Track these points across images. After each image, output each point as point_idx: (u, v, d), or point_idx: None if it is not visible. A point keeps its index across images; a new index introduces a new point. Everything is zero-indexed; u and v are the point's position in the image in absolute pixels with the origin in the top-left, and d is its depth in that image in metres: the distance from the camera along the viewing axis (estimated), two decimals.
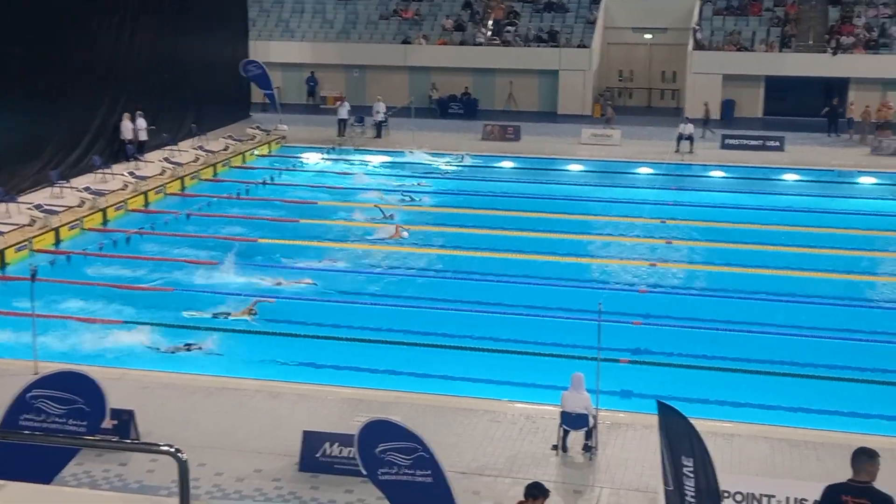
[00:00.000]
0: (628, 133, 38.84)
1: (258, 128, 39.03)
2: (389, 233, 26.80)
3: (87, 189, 28.80)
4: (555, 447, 14.86)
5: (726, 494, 12.52)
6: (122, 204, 28.65)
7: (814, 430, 15.70)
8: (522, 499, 11.15)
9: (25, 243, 24.51)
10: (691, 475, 10.48)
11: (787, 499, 12.80)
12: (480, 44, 45.93)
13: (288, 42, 47.43)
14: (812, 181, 33.56)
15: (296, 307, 21.33)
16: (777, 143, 37.08)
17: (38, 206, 26.78)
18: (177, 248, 25.24)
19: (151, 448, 5.99)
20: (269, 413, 16.07)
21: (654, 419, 11.35)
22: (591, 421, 14.72)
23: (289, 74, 46.87)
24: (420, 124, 38.99)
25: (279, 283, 22.84)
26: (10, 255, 23.87)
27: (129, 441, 13.85)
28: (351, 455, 13.19)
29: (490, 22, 47.25)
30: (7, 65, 27.37)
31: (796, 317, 21.01)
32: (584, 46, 45.06)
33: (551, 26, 46.47)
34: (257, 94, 43.33)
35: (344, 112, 39.25)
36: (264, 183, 31.97)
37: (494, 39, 46.27)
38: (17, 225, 25.46)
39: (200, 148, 35.13)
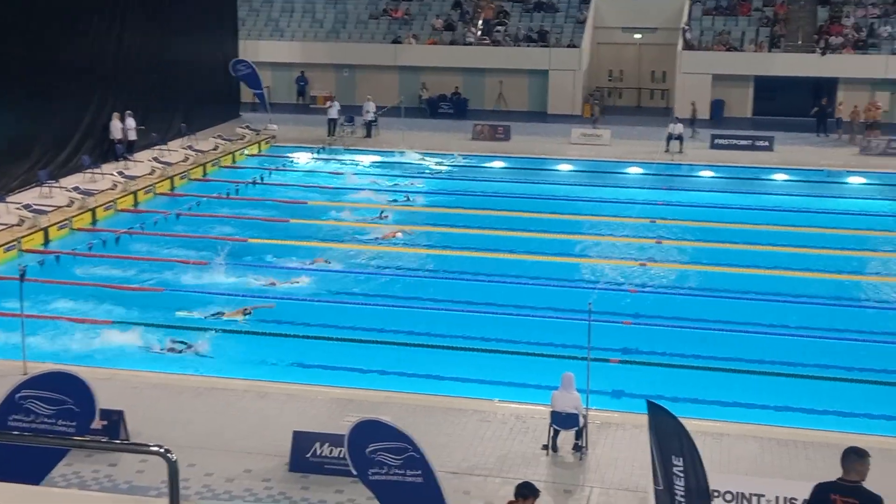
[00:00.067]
0: (618, 133, 38.88)
1: (248, 127, 38.96)
2: (384, 233, 26.80)
3: (76, 189, 28.72)
4: (545, 447, 14.88)
5: (716, 494, 12.54)
6: (111, 204, 28.58)
7: (803, 429, 15.75)
8: (513, 498, 11.16)
9: (14, 243, 24.43)
10: (681, 474, 10.50)
11: (777, 498, 12.83)
12: (470, 43, 45.93)
13: (277, 42, 47.36)
14: (801, 181, 33.64)
15: (286, 307, 21.30)
16: (766, 143, 37.17)
17: (26, 206, 26.70)
18: (166, 248, 25.21)
19: (141, 448, 5.97)
20: (259, 413, 16.05)
21: (643, 419, 11.37)
22: (581, 421, 14.74)
23: (278, 74, 46.80)
24: (410, 124, 38.98)
25: (271, 284, 22.82)
26: None
27: (118, 441, 13.81)
28: (341, 455, 13.20)
29: (480, 22, 47.24)
30: None
31: (786, 316, 21.07)
32: (574, 46, 45.09)
33: (541, 26, 46.49)
34: (247, 94, 43.25)
35: (334, 112, 39.20)
36: (254, 183, 31.93)
37: (484, 39, 46.27)
38: (5, 225, 25.39)
39: (190, 148, 35.07)
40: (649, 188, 32.18)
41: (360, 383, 17.57)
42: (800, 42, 43.92)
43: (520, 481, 11.41)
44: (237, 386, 17.11)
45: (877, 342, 19.78)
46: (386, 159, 36.10)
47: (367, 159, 36.29)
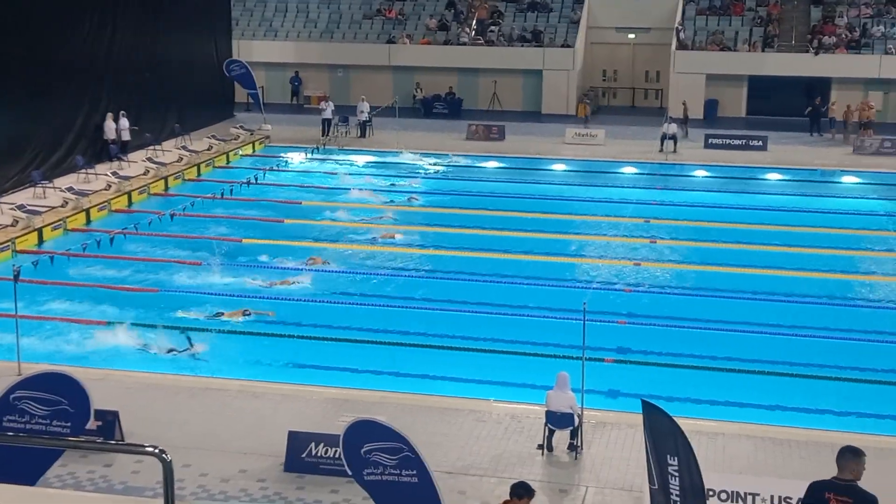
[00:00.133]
0: (612, 133, 38.91)
1: (242, 128, 38.93)
2: (380, 234, 26.78)
3: (70, 189, 28.70)
4: (540, 446, 14.89)
5: (711, 493, 12.57)
6: (105, 204, 28.56)
7: (798, 428, 15.78)
8: (508, 498, 11.17)
9: (8, 244, 24.40)
10: (676, 474, 10.51)
11: (772, 497, 12.86)
12: (464, 43, 45.92)
13: (271, 42, 47.32)
14: (795, 180, 33.69)
15: (280, 307, 21.30)
16: (760, 143, 37.22)
17: (20, 207, 26.68)
18: (161, 249, 25.18)
19: (136, 449, 5.97)
20: (254, 413, 16.05)
21: (638, 418, 11.38)
22: (576, 420, 14.75)
23: (272, 74, 46.76)
24: (404, 124, 38.97)
25: (270, 284, 22.81)
26: None
27: (113, 442, 13.79)
28: (336, 455, 13.19)
29: (474, 21, 47.25)
30: None
31: (780, 316, 21.10)
32: (568, 46, 45.11)
33: (535, 26, 46.51)
34: (241, 94, 43.22)
35: (328, 112, 39.17)
36: (248, 183, 31.91)
37: (478, 39, 46.27)
38: None
39: (184, 148, 35.04)
40: (643, 188, 32.20)
41: (355, 383, 17.57)
42: (793, 42, 43.98)
43: (515, 481, 11.43)
44: (232, 386, 17.10)
45: (871, 341, 19.82)
46: (380, 159, 36.09)
47: (361, 159, 36.28)
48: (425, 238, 26.79)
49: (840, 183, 33.58)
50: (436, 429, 15.41)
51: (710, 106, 43.77)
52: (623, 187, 32.35)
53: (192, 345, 18.96)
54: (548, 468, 14.53)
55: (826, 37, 43.28)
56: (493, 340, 19.59)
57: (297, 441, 14.27)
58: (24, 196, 28.04)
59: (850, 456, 9.16)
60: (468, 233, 27.08)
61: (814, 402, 17.14)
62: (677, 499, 10.53)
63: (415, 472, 11.60)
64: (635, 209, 29.30)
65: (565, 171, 35.19)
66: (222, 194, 30.33)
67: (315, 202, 30.17)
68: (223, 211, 28.92)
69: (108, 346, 19.00)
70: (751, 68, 43.55)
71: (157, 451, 5.63)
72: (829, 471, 9.32)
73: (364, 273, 23.85)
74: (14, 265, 20.26)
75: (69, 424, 11.04)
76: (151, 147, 34.26)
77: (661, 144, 36.52)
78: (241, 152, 36.88)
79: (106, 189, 29.67)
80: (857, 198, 31.54)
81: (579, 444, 14.81)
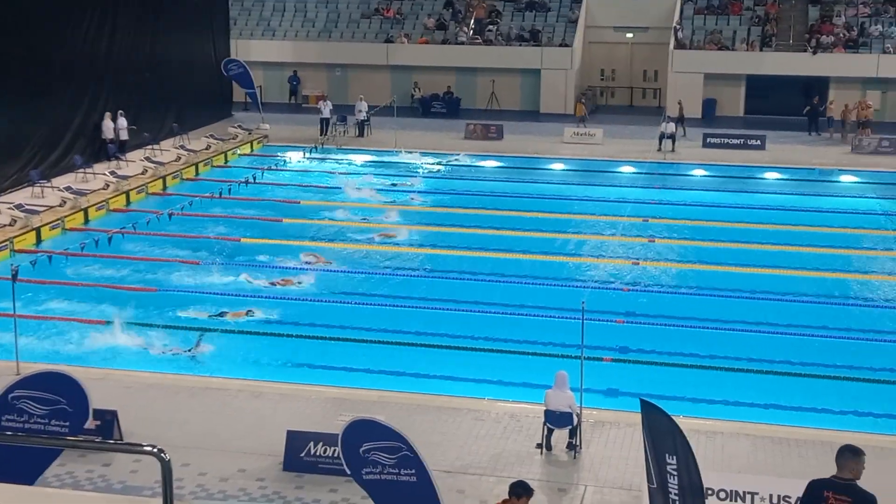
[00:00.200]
0: (610, 132, 38.92)
1: (240, 127, 38.92)
2: (378, 233, 26.77)
3: (68, 189, 28.69)
4: (539, 445, 14.90)
5: (710, 492, 12.57)
6: (103, 204, 28.54)
7: (796, 427, 15.80)
8: (507, 497, 11.17)
9: (6, 243, 24.38)
10: (675, 473, 10.52)
11: (770, 496, 12.86)
12: (462, 43, 45.91)
13: (269, 41, 47.29)
14: (793, 180, 33.70)
15: (279, 307, 21.29)
16: (758, 142, 37.24)
17: (18, 206, 26.67)
18: (159, 248, 25.17)
19: (134, 448, 5.96)
20: (253, 413, 16.04)
21: (637, 417, 11.38)
22: (575, 419, 14.75)
23: (270, 73, 46.74)
24: (402, 123, 38.97)
25: (271, 284, 22.80)
26: None
27: (112, 441, 13.79)
28: (335, 454, 13.19)
29: (472, 21, 47.24)
30: None
31: (778, 315, 21.11)
32: (566, 45, 45.11)
33: (533, 25, 46.51)
34: (239, 94, 43.20)
35: (326, 111, 39.16)
36: (246, 182, 31.89)
37: (476, 38, 46.27)
38: None
39: (182, 147, 35.03)
40: (642, 187, 32.21)
41: (353, 383, 17.57)
42: (791, 41, 44.00)
43: (514, 480, 11.44)
44: (231, 386, 17.10)
45: (870, 340, 19.84)
46: (378, 158, 36.08)
47: (359, 159, 36.27)
48: (424, 237, 26.80)
49: (838, 182, 33.60)
50: (434, 428, 15.41)
51: (709, 105, 43.78)
52: (621, 186, 32.36)
53: (198, 344, 18.94)
54: (546, 467, 14.54)
55: (824, 36, 43.30)
56: (491, 340, 19.60)
57: (295, 440, 14.27)
58: (22, 195, 28.03)
59: (850, 455, 9.16)
60: (467, 232, 27.07)
61: (812, 400, 17.15)
62: (676, 498, 10.54)
63: (413, 471, 11.60)
64: (633, 208, 29.30)
65: (563, 170, 35.19)
66: (220, 194, 30.31)
67: (313, 201, 30.16)
68: (221, 210, 28.90)
69: (107, 346, 19.00)
70: (749, 67, 43.56)
71: (155, 450, 5.64)
72: (828, 470, 9.33)
73: (362, 272, 23.85)
74: (12, 264, 20.23)
75: (68, 424, 11.03)
76: (149, 146, 34.25)
77: (660, 143, 36.53)
78: (239, 152, 36.86)
79: (104, 188, 29.66)
80: (855, 197, 31.55)
81: (578, 443, 14.81)
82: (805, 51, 42.99)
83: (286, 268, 23.81)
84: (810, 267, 24.14)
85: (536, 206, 29.52)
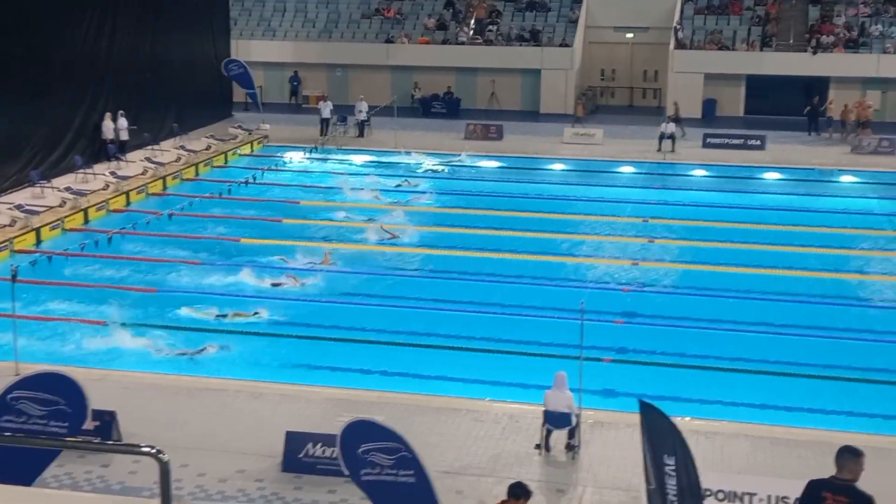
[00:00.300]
0: (611, 132, 38.92)
1: (240, 127, 38.92)
2: (378, 233, 26.74)
3: (68, 189, 28.70)
4: (538, 446, 14.89)
5: (708, 492, 12.56)
6: (103, 204, 28.54)
7: (795, 427, 15.79)
8: (505, 498, 11.17)
9: (6, 243, 24.37)
10: (673, 473, 10.52)
11: (769, 496, 12.85)
12: (463, 43, 45.92)
13: (270, 41, 47.30)
14: (793, 180, 33.69)
15: (278, 307, 21.29)
16: (758, 142, 37.24)
17: (18, 206, 26.67)
18: (159, 249, 25.16)
19: (133, 449, 5.96)
20: (252, 413, 16.04)
21: (636, 418, 11.38)
22: (574, 420, 14.75)
23: (271, 74, 46.76)
24: (403, 124, 38.96)
25: (262, 283, 22.81)
26: None
27: (110, 442, 13.79)
28: (334, 455, 13.18)
29: (472, 21, 47.25)
30: None
31: (778, 315, 21.10)
32: (566, 45, 45.13)
33: (533, 25, 46.52)
34: (239, 94, 43.20)
35: (326, 111, 39.16)
36: (247, 183, 31.89)
37: (477, 38, 46.27)
38: None
39: (182, 148, 35.03)
40: (642, 187, 32.21)
41: (352, 383, 17.56)
42: (791, 41, 44.01)
43: (513, 481, 11.42)
44: (230, 386, 17.10)
45: (870, 341, 19.83)
46: (379, 159, 36.08)
47: (359, 159, 36.27)
48: (423, 238, 26.78)
49: (838, 182, 33.59)
50: (433, 428, 15.41)
51: (709, 105, 43.78)
52: (621, 187, 32.36)
53: (204, 349, 18.93)
54: (545, 468, 14.53)
55: (824, 36, 43.30)
56: (490, 340, 19.60)
57: (294, 441, 14.27)
58: (22, 196, 28.03)
59: (849, 456, 9.16)
60: (466, 232, 27.07)
61: (811, 401, 17.15)
62: (674, 498, 10.54)
63: (412, 472, 11.61)
64: (633, 209, 29.30)
65: (563, 170, 35.18)
66: (220, 194, 30.33)
67: (313, 202, 30.17)
68: (221, 211, 28.91)
69: (106, 346, 18.99)
70: (749, 67, 43.56)
71: (153, 451, 5.64)
72: (826, 470, 9.33)
73: (362, 273, 23.84)
74: (12, 265, 20.27)
75: (66, 425, 11.05)
76: (150, 147, 34.26)
77: (660, 144, 36.52)
78: (239, 152, 36.87)
79: (104, 189, 29.67)
80: (855, 197, 31.55)
81: (577, 443, 14.81)
82: (805, 51, 42.99)
83: (285, 268, 23.79)
84: (810, 267, 24.13)
85: (536, 206, 29.53)
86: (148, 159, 32.97)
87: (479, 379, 17.89)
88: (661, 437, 10.70)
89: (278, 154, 36.38)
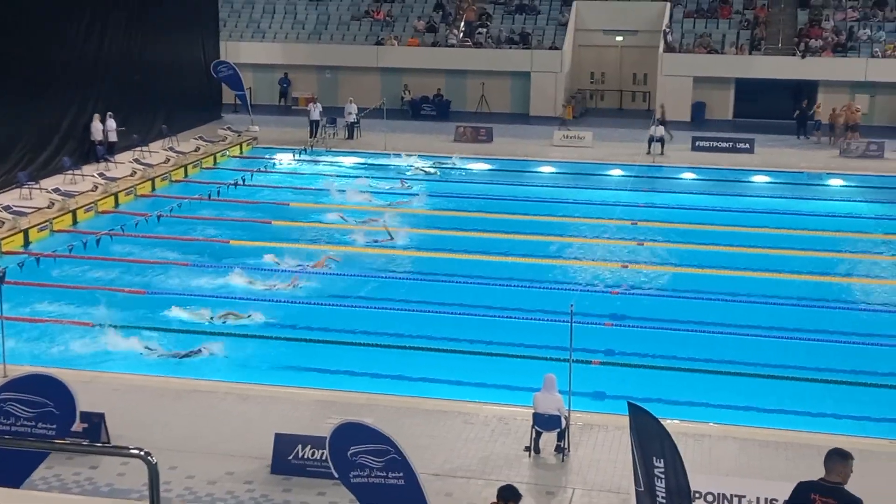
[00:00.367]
0: (600, 135, 38.98)
1: (229, 129, 38.84)
2: (368, 235, 26.71)
3: (56, 190, 28.60)
4: (527, 448, 14.90)
5: (697, 495, 12.59)
6: (92, 205, 28.47)
7: (783, 430, 15.83)
8: (495, 500, 11.16)
9: None
10: (662, 476, 10.53)
11: (758, 499, 12.89)
12: (452, 45, 45.94)
13: (259, 43, 47.25)
14: (781, 183, 33.79)
15: (267, 309, 21.26)
16: (747, 146, 37.34)
17: (6, 208, 26.57)
18: (147, 250, 25.11)
19: (121, 451, 5.95)
20: (241, 416, 16.02)
21: (625, 420, 11.39)
22: (564, 422, 14.77)
23: (260, 75, 46.70)
24: (392, 126, 38.95)
25: (250, 284, 22.78)
26: None
27: (99, 444, 13.77)
28: (323, 457, 13.18)
29: (462, 23, 47.27)
30: None
31: (767, 318, 21.15)
32: (556, 48, 45.19)
33: (523, 28, 46.56)
34: (228, 96, 43.14)
35: (316, 113, 39.12)
36: (236, 184, 31.85)
37: (466, 41, 46.29)
38: None
39: (171, 149, 34.96)
40: (631, 190, 32.24)
41: (341, 385, 17.54)
42: (780, 45, 44.14)
43: (502, 483, 11.43)
44: (219, 388, 17.07)
45: (858, 343, 19.89)
46: (368, 161, 36.06)
47: (349, 161, 36.26)
48: (413, 240, 26.78)
49: (826, 185, 33.70)
50: (423, 431, 15.41)
51: (698, 108, 43.87)
52: (610, 189, 32.39)
53: (198, 351, 18.89)
54: (535, 470, 14.55)
55: (813, 40, 43.44)
56: (480, 342, 19.59)
57: (283, 443, 14.25)
58: (10, 197, 27.93)
59: (838, 458, 9.20)
60: (456, 235, 27.08)
61: (800, 404, 17.18)
62: (663, 501, 10.56)
63: (401, 474, 11.61)
64: (622, 211, 29.35)
65: (553, 173, 35.22)
66: (209, 196, 30.28)
67: (303, 204, 30.14)
68: (210, 212, 28.86)
69: (95, 348, 18.94)
70: (738, 71, 43.66)
71: (142, 453, 5.63)
72: (814, 473, 9.36)
73: (352, 275, 23.83)
74: None
75: (55, 426, 11.03)
76: (138, 148, 34.16)
77: (649, 147, 36.59)
78: (228, 154, 36.82)
79: (92, 190, 29.59)
80: (843, 200, 31.65)
81: (566, 446, 14.83)
82: (794, 54, 43.11)
83: (275, 270, 23.75)
84: (798, 270, 24.21)
85: (525, 208, 29.55)
86: (137, 161, 32.89)
87: (469, 381, 17.90)
88: (650, 440, 10.71)
89: (268, 156, 36.33)
